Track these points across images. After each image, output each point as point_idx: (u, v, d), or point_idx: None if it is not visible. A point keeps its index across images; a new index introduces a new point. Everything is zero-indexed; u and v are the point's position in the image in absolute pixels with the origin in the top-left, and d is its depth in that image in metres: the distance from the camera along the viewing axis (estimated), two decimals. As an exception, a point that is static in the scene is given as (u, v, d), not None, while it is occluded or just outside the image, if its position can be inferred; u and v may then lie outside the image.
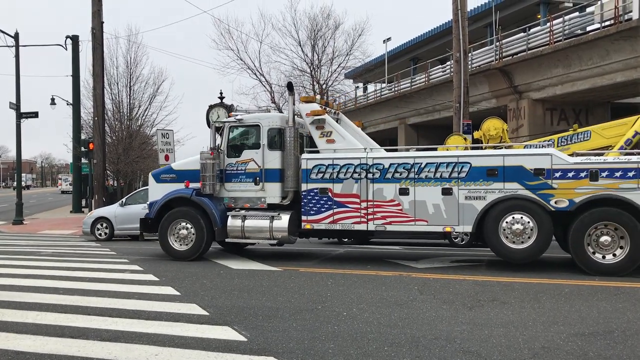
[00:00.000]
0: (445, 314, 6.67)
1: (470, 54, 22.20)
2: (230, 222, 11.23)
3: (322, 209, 10.74)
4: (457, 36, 17.52)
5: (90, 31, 20.86)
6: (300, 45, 31.32)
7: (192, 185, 11.53)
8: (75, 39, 29.17)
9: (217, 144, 11.69)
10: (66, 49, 27.08)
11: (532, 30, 22.47)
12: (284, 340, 5.57)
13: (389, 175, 10.39)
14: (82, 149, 27.00)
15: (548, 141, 11.62)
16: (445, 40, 31.90)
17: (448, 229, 10.20)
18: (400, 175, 10.33)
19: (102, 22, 20.87)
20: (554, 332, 5.79)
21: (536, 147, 10.77)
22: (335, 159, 10.80)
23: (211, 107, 16.96)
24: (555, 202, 9.50)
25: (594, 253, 9.30)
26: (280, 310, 6.85)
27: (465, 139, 12.62)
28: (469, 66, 20.46)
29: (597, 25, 19.71)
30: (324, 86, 31.18)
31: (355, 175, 10.57)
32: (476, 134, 12.35)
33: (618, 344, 5.37)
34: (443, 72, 28.23)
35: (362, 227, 10.57)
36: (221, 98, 17.44)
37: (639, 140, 10.62)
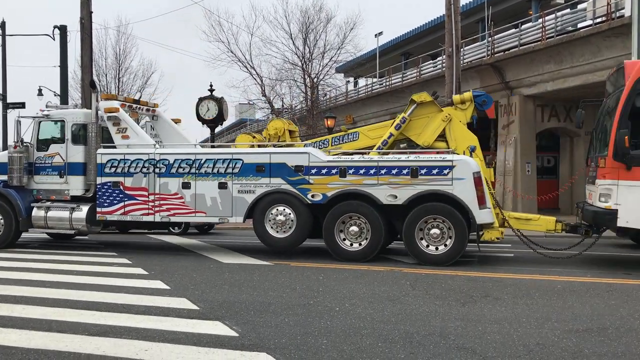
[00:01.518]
0: (439, 309, 6.61)
1: (462, 50, 22.12)
2: (34, 212, 11.75)
3: (115, 202, 11.29)
4: (450, 31, 17.45)
5: (78, 21, 20.57)
6: (291, 39, 31.12)
7: (1, 177, 12.00)
8: (63, 29, 28.73)
9: (21, 138, 12.01)
10: (54, 39, 26.70)
11: (524, 27, 22.43)
12: (276, 335, 5.49)
13: (173, 170, 11.06)
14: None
15: (322, 141, 12.31)
16: (436, 36, 31.85)
17: (224, 220, 11.11)
18: (183, 170, 11.01)
19: (91, 12, 20.54)
20: (547, 329, 5.76)
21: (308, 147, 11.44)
22: (127, 154, 11.32)
23: (201, 99, 16.76)
24: (312, 196, 10.45)
25: (344, 240, 10.44)
26: (272, 305, 6.77)
27: (254, 137, 13.25)
28: (461, 61, 20.40)
29: (589, 22, 19.72)
30: (315, 80, 31.03)
31: (144, 170, 11.19)
32: (263, 133, 13.21)
33: (612, 341, 5.35)
34: (434, 67, 28.14)
35: (150, 218, 11.23)
36: (211, 90, 17.27)
37: (394, 140, 11.47)
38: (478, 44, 25.74)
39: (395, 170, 10.10)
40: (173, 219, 11.49)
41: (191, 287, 7.90)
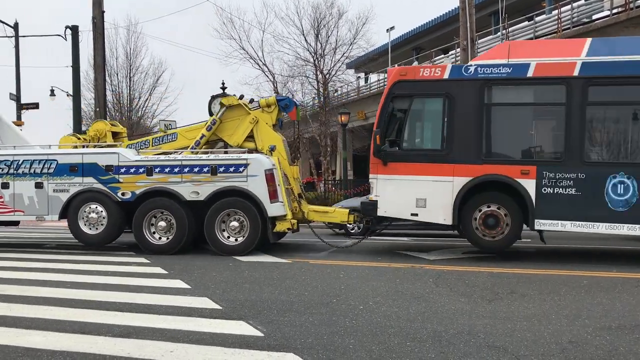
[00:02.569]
0: (465, 307, 6.49)
1: (476, 43, 21.91)
2: None
3: None
4: (464, 24, 17.28)
5: (91, 21, 20.60)
6: (303, 35, 30.98)
7: None
8: (75, 29, 28.82)
9: None
10: (66, 40, 26.79)
11: (539, 18, 22.21)
12: (302, 335, 5.40)
13: None
14: (83, 140, 26.79)
15: (144, 142, 12.84)
16: (448, 30, 31.66)
17: (40, 219, 11.61)
18: (2, 171, 11.51)
19: (103, 11, 20.59)
20: (579, 326, 5.62)
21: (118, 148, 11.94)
22: None
23: (213, 97, 16.66)
24: (122, 194, 11.07)
25: (153, 233, 11.13)
26: (294, 304, 6.68)
27: (78, 138, 13.42)
28: (476, 55, 20.20)
29: (606, 13, 19.44)
30: (327, 76, 30.89)
31: None
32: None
33: (648, 338, 5.20)
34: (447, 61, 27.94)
35: None
36: (223, 88, 17.19)
37: (208, 141, 12.21)
38: (492, 37, 25.51)
39: (197, 169, 10.85)
40: None
41: (212, 286, 7.84)
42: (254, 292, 7.39)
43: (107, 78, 29.15)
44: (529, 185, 9.56)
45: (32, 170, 11.41)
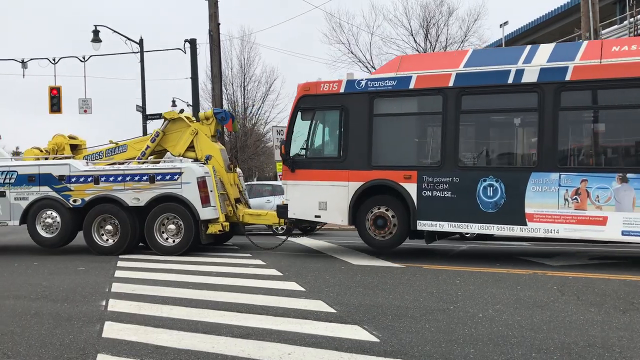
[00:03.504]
0: (595, 317, 6.01)
1: (600, 34, 20.45)
2: None
3: None
4: (586, 13, 16.19)
5: (207, 34, 21.63)
6: (412, 35, 30.66)
7: None
8: (193, 43, 30.37)
9: None
10: (185, 53, 28.33)
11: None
12: (419, 342, 5.25)
13: None
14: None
15: (99, 153, 13.92)
16: (567, 22, 29.84)
17: (4, 223, 12.79)
18: None
19: (219, 24, 21.55)
20: None
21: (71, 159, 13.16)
22: None
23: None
24: (74, 201, 12.27)
25: (102, 236, 12.30)
26: (409, 310, 6.53)
27: (41, 150, 14.25)
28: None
29: None
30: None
31: None
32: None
33: None
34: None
35: None
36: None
37: (152, 151, 13.16)
38: (617, 27, 23.70)
39: (137, 177, 11.99)
40: None
41: (325, 289, 7.87)
42: (367, 297, 7.33)
43: (223, 87, 30.54)
44: (411, 189, 10.22)
45: None
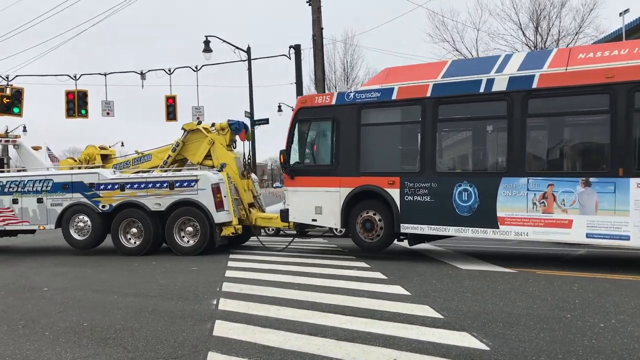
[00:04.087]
0: None
1: None
2: None
3: None
4: None
5: (311, 39, 21.97)
6: (521, 29, 29.34)
7: None
8: (297, 48, 30.98)
9: None
10: (290, 58, 29.01)
11: None
12: (533, 352, 4.96)
13: (6, 190, 14.33)
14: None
15: (126, 162, 15.44)
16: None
17: (42, 227, 14.11)
18: (12, 189, 14.28)
19: (322, 29, 21.80)
20: None
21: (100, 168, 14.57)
22: None
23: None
24: (102, 206, 13.47)
25: (129, 239, 13.41)
26: (522, 317, 6.20)
27: (75, 160, 16.12)
28: None
29: None
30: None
31: None
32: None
33: None
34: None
35: None
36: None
37: (173, 160, 14.40)
38: None
39: (158, 184, 13.09)
40: (8, 228, 14.60)
41: (432, 293, 7.67)
42: (476, 303, 7.05)
43: (326, 91, 30.93)
44: (395, 194, 10.79)
45: (34, 188, 14.12)
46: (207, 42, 25.81)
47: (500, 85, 9.86)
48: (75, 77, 24.23)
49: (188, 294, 8.19)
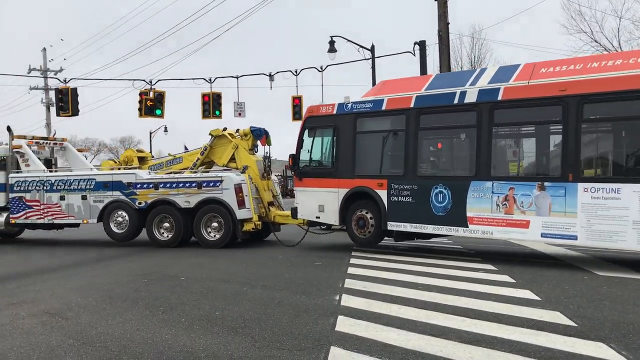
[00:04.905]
0: None
1: None
2: None
3: (20, 210, 16.58)
4: None
5: (436, 34, 21.57)
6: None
7: None
8: (422, 44, 30.54)
9: None
10: (414, 55, 28.67)
11: None
12: (681, 369, 4.51)
13: (55, 188, 16.11)
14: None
15: (159, 164, 17.05)
16: None
17: (85, 221, 15.76)
18: (60, 187, 16.01)
19: (448, 24, 21.32)
20: None
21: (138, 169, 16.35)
22: (27, 177, 16.54)
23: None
24: (139, 203, 14.92)
25: (162, 233, 15.02)
26: (669, 331, 5.65)
27: (115, 162, 18.03)
28: None
29: None
30: None
31: (38, 188, 16.33)
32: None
33: None
34: None
35: (42, 221, 16.40)
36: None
37: (202, 162, 16.04)
38: None
39: (188, 184, 14.57)
40: (55, 222, 16.36)
41: (564, 300, 7.24)
42: (615, 312, 6.55)
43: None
44: (383, 195, 11.89)
45: (79, 187, 15.82)
46: (332, 42, 26.21)
47: (471, 97, 10.86)
48: (210, 80, 25.74)
49: (312, 288, 8.41)
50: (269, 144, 16.34)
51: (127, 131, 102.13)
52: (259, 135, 15.77)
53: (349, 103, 12.62)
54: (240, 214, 14.15)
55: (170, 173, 16.00)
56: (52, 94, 35.29)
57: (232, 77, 26.36)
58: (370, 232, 12.33)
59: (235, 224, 14.14)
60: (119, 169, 16.76)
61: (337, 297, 7.68)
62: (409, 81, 12.51)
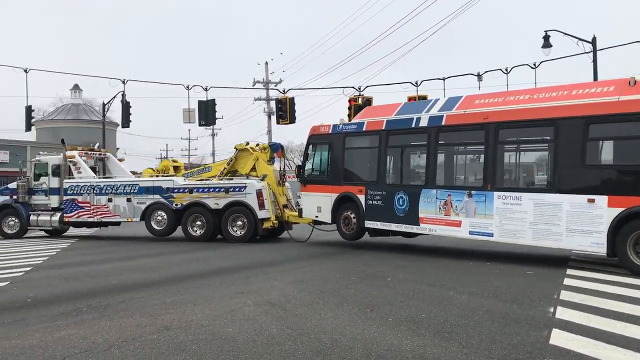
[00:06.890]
0: None
1: None
2: (31, 218, 20.64)
3: (73, 210, 19.82)
4: None
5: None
6: None
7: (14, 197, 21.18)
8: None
9: (24, 172, 21.72)
10: (645, 45, 25.54)
11: None
12: None
13: (103, 191, 19.50)
14: None
15: (189, 172, 20.89)
16: None
17: (129, 219, 19.26)
18: (108, 191, 19.43)
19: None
20: None
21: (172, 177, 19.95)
22: (79, 182, 19.95)
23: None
24: (175, 205, 18.45)
25: (195, 230, 18.37)
26: None
27: (154, 170, 21.96)
28: None
29: None
30: None
31: (89, 191, 19.67)
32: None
33: None
34: None
35: (91, 220, 19.80)
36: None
37: (228, 171, 19.26)
38: None
39: (217, 189, 17.94)
40: (104, 220, 19.73)
41: None
42: None
43: None
44: (362, 199, 14.73)
45: (125, 191, 19.08)
46: (546, 37, 24.58)
47: (424, 122, 13.39)
48: (416, 83, 25.92)
49: (523, 298, 8.04)
50: (285, 156, 19.32)
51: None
52: (276, 149, 19.13)
53: (340, 124, 15.67)
54: (261, 214, 17.32)
55: (202, 180, 19.14)
56: (272, 103, 38.75)
57: (439, 79, 26.25)
58: (353, 229, 15.05)
59: (256, 222, 17.31)
60: (157, 176, 20.29)
61: (552, 309, 7.25)
62: (384, 107, 15.38)
